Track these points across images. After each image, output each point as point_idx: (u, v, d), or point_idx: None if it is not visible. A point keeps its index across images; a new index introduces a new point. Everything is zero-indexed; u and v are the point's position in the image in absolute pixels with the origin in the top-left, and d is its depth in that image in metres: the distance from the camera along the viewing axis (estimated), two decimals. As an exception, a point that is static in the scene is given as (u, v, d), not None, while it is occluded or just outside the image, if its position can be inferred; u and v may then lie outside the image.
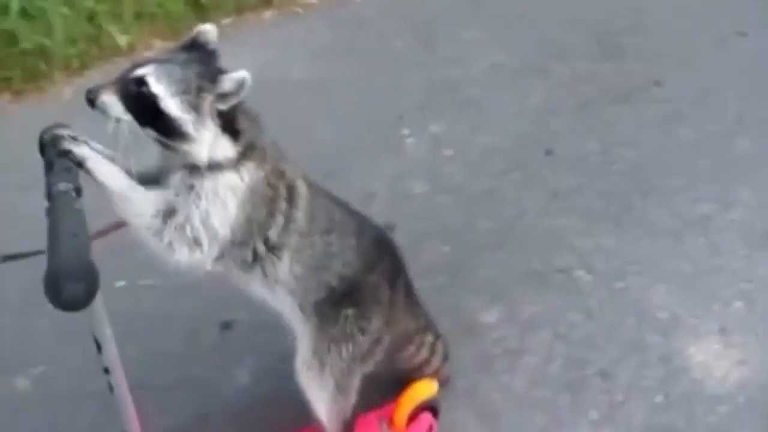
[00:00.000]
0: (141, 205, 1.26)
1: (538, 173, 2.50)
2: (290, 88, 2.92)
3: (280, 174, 1.37)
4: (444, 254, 2.19)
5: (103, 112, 1.21)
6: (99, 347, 1.20)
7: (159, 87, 1.20)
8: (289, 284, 1.39)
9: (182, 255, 1.28)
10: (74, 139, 1.21)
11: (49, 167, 1.18)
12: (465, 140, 2.65)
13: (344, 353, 1.47)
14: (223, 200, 1.26)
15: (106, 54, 3.14)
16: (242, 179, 1.28)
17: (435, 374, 1.71)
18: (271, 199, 1.33)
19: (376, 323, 1.49)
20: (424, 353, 1.67)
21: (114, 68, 3.21)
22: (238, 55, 3.11)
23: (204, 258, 1.29)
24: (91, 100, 1.21)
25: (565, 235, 2.24)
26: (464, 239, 2.25)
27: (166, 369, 1.84)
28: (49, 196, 1.09)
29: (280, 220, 1.35)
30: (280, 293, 1.41)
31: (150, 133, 1.22)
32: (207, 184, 1.25)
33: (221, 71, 1.23)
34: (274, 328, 1.53)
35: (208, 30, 1.27)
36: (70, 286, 0.97)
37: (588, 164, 2.53)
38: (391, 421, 1.69)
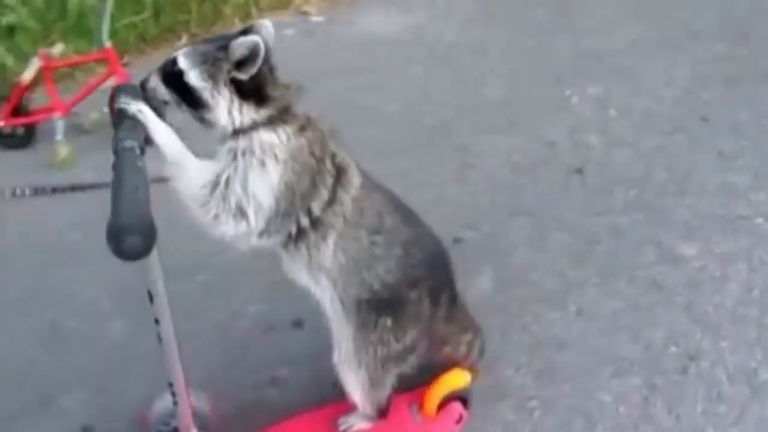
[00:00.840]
0: (191, 174, 1.30)
1: (698, 136, 2.71)
2: (450, 50, 3.17)
3: (329, 151, 1.37)
4: (633, 197, 2.39)
5: (152, 97, 1.30)
6: (151, 299, 1.25)
7: (185, 62, 1.28)
8: (332, 273, 1.40)
9: (228, 226, 1.30)
10: (149, 98, 1.29)
11: (119, 121, 1.25)
12: (625, 103, 2.87)
13: (380, 354, 1.50)
14: (261, 159, 1.28)
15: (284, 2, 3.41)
16: (279, 138, 1.29)
17: (468, 368, 1.73)
18: (316, 170, 1.34)
19: (411, 334, 1.51)
20: (461, 351, 1.69)
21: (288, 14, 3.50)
22: (390, 15, 3.35)
23: (249, 230, 1.31)
24: (143, 85, 1.30)
25: (738, 189, 2.44)
26: (647, 186, 2.45)
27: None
28: (115, 151, 1.14)
29: (324, 194, 1.36)
30: (323, 281, 1.42)
31: (185, 109, 1.30)
32: (242, 143, 1.28)
33: (233, 39, 1.28)
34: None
35: (265, 25, 1.31)
36: (130, 238, 1.03)
37: (744, 131, 2.73)
38: (421, 407, 1.71)
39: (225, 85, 1.27)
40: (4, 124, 2.50)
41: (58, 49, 2.55)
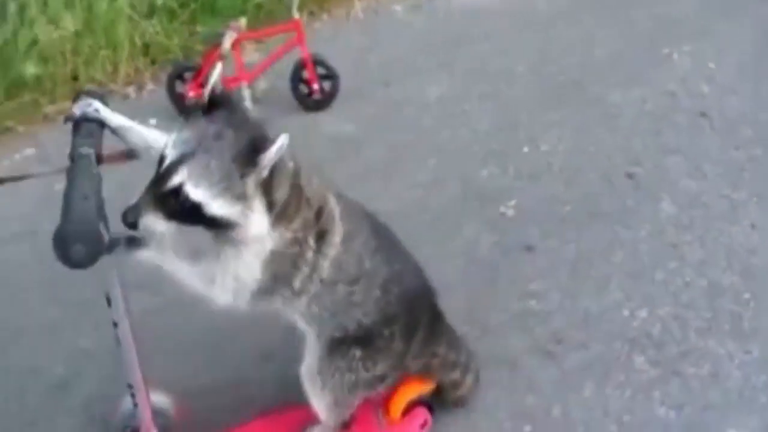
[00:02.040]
0: (185, 276, 1.27)
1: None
2: (548, 18, 3.44)
3: (312, 221, 1.33)
4: (757, 134, 2.76)
5: (149, 233, 1.19)
6: (109, 302, 1.27)
7: (199, 193, 1.13)
8: (305, 317, 1.40)
9: (217, 297, 1.29)
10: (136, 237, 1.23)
11: (76, 128, 1.23)
12: (717, 57, 3.23)
13: (347, 379, 1.48)
14: (247, 263, 1.25)
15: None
16: (265, 247, 1.25)
17: (462, 393, 1.75)
18: (298, 254, 1.30)
19: (381, 367, 1.50)
20: (453, 377, 1.70)
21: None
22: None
23: (237, 303, 1.30)
24: (132, 224, 1.15)
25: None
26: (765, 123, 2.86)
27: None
28: (71, 157, 1.13)
29: (305, 270, 1.33)
30: (297, 319, 1.42)
31: (198, 228, 1.19)
32: (230, 252, 1.23)
33: (259, 148, 1.14)
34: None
35: (217, 84, 1.24)
36: (76, 246, 1.04)
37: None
38: (386, 411, 1.71)
39: (258, 199, 1.17)
40: (194, 95, 2.68)
41: (242, 22, 2.67)
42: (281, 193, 1.21)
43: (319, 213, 1.33)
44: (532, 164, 2.58)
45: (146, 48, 3.02)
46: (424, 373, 1.64)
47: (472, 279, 2.14)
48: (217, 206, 1.14)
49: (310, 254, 1.31)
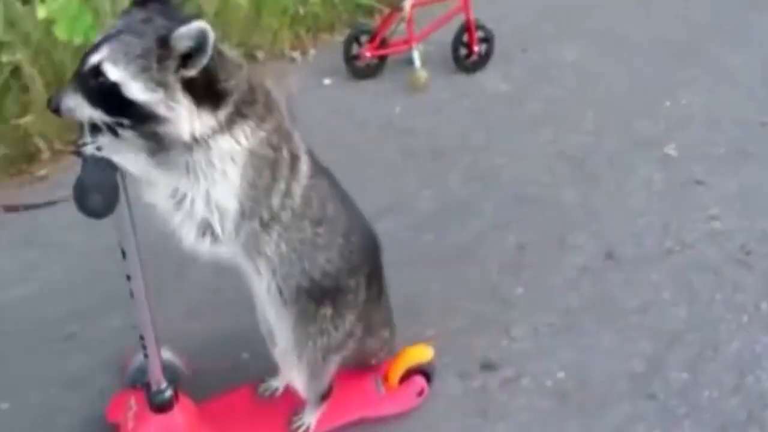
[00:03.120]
0: (156, 187, 1.21)
1: None
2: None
3: (286, 135, 1.28)
4: None
5: (72, 116, 1.12)
6: (124, 255, 1.30)
7: (117, 72, 1.07)
8: (272, 261, 1.34)
9: (196, 241, 1.24)
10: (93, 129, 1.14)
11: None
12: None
13: (320, 345, 1.50)
14: (222, 170, 1.18)
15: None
16: (239, 142, 1.18)
17: (375, 366, 1.76)
18: (274, 161, 1.24)
19: (350, 320, 1.52)
20: (377, 344, 1.71)
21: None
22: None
23: (218, 240, 1.24)
24: (56, 109, 1.11)
25: None
26: None
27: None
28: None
29: (282, 186, 1.27)
30: (262, 268, 1.36)
31: (125, 123, 1.12)
32: (199, 157, 1.16)
33: (177, 28, 1.07)
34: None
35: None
36: (94, 196, 1.09)
37: None
38: (385, 379, 1.76)
39: (180, 90, 1.09)
40: (371, 55, 2.93)
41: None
42: (233, 83, 1.15)
43: (289, 131, 1.29)
44: (677, 116, 2.89)
45: (306, 18, 3.24)
46: (368, 336, 1.63)
47: (655, 209, 2.41)
48: (135, 88, 1.07)
49: (285, 170, 1.26)
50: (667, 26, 3.51)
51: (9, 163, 2.51)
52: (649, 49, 3.33)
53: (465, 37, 3.01)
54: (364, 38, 2.95)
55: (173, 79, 1.08)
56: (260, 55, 3.10)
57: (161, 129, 1.12)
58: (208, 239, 1.24)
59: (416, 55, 2.94)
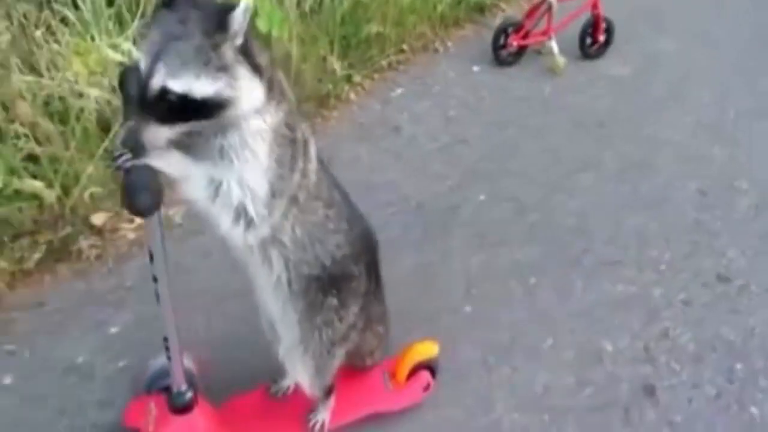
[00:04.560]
0: (192, 181, 1.23)
1: None
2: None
3: (298, 118, 1.31)
4: None
5: (156, 149, 1.15)
6: (151, 258, 1.32)
7: (181, 83, 1.09)
8: (287, 248, 1.34)
9: (232, 226, 1.26)
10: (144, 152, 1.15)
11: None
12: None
13: (325, 338, 1.51)
14: (253, 149, 1.20)
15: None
16: (265, 121, 1.21)
17: (370, 366, 1.78)
18: (292, 140, 1.27)
19: (353, 311, 1.53)
20: (374, 341, 1.73)
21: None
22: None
23: (254, 222, 1.25)
24: (136, 150, 1.15)
25: None
26: None
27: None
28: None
29: (300, 164, 1.30)
30: (274, 257, 1.35)
31: (196, 123, 1.14)
32: (233, 139, 1.18)
33: (225, 15, 1.10)
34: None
35: None
36: (141, 195, 1.13)
37: None
38: (393, 375, 1.81)
39: (238, 63, 1.13)
40: (517, 45, 3.31)
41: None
42: (263, 59, 1.19)
43: (299, 117, 1.32)
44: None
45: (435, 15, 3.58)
46: (367, 329, 1.65)
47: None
48: (200, 87, 1.10)
49: (301, 147, 1.29)
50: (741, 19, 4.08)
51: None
52: (738, 39, 3.83)
53: (591, 29, 3.47)
54: (510, 29, 3.34)
55: (231, 57, 1.12)
56: (406, 47, 3.46)
57: (228, 113, 1.15)
58: (242, 224, 1.25)
59: (553, 45, 3.36)
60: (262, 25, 2.73)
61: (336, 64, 3.10)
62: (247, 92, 1.15)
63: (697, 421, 1.86)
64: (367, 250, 1.52)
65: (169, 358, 1.48)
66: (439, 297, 2.15)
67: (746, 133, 3.08)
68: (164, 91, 1.09)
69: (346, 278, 1.46)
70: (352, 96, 3.04)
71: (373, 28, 3.30)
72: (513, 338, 2.04)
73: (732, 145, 3.01)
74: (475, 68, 3.39)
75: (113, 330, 1.98)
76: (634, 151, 2.91)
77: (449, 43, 3.58)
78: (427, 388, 1.82)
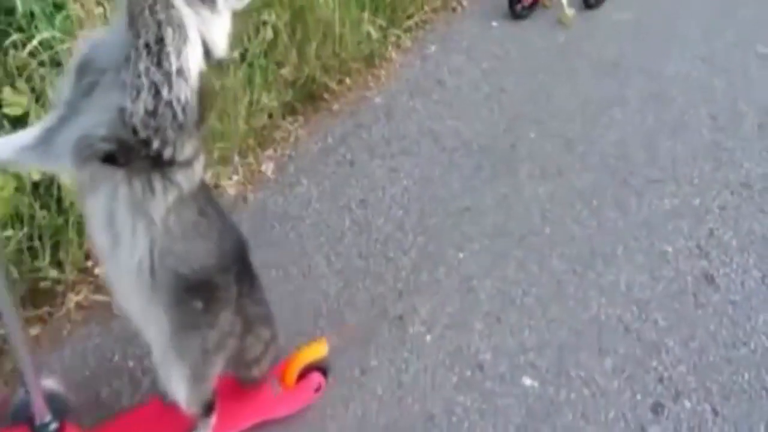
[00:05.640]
0: None
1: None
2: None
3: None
4: None
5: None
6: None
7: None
8: (156, 228, 1.27)
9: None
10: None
11: None
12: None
13: (196, 343, 1.46)
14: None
15: None
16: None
17: (259, 377, 1.72)
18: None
19: (224, 317, 1.49)
20: (259, 346, 1.65)
21: None
22: None
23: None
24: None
25: None
26: None
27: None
28: None
29: (195, 144, 1.25)
30: (140, 232, 1.26)
31: None
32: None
33: None
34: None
35: None
36: None
37: None
38: (281, 379, 1.74)
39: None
40: (528, 1, 3.57)
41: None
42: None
43: None
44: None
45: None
46: (247, 332, 1.58)
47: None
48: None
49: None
50: None
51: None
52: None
53: (592, -22, 3.82)
54: (523, -15, 3.66)
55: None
56: (427, 7, 3.67)
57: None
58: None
59: (564, -4, 3.71)
60: None
61: (371, 26, 3.33)
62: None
63: (752, 298, 2.27)
64: (237, 261, 1.50)
65: (26, 392, 1.42)
66: (521, 222, 2.47)
67: (736, 62, 3.48)
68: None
69: (213, 287, 1.43)
70: (394, 55, 3.30)
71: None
72: (591, 250, 2.40)
73: (727, 73, 3.40)
74: (494, 23, 3.68)
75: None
76: (649, 86, 3.27)
77: (464, 2, 3.84)
78: (318, 389, 1.81)
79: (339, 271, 2.23)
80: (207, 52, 1.20)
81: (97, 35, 1.25)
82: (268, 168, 2.57)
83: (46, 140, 1.23)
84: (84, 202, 1.29)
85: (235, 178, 2.47)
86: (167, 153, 1.18)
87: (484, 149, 2.81)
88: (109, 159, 1.17)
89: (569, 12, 3.69)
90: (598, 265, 2.33)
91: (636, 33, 3.72)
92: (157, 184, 1.22)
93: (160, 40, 1.11)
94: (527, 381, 1.97)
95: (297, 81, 2.95)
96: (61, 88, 1.24)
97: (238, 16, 2.78)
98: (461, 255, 2.33)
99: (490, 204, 2.54)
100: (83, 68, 1.21)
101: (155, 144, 1.16)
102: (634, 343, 2.09)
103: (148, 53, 1.11)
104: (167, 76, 1.12)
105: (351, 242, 2.34)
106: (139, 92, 1.12)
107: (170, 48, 1.12)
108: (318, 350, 1.78)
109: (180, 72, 1.14)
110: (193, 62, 1.17)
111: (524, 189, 2.63)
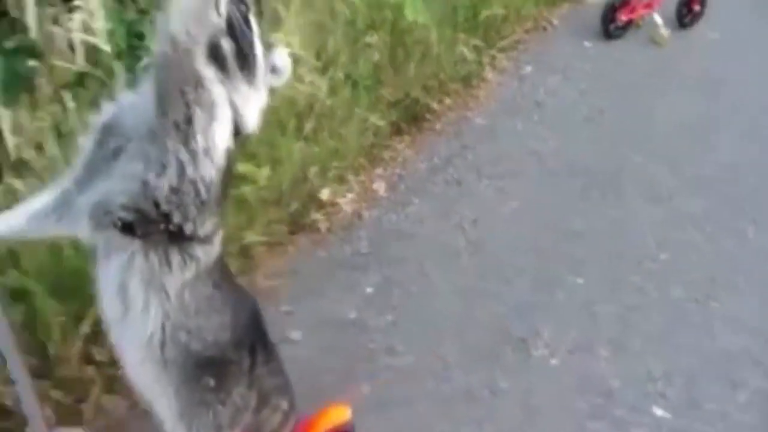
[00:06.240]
0: None
1: None
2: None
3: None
4: None
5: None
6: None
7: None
8: (169, 302, 1.24)
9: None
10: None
11: None
12: None
13: (208, 421, 1.39)
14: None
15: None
16: None
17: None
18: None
19: (238, 392, 1.42)
20: (276, 419, 1.56)
21: None
22: None
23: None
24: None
25: None
26: None
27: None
28: None
29: (215, 220, 1.25)
30: (153, 306, 1.23)
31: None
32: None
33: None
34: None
35: None
36: None
37: None
38: None
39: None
40: (625, 19, 3.57)
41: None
42: None
43: None
44: None
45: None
46: (263, 404, 1.50)
47: None
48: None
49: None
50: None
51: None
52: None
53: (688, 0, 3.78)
54: (617, 5, 3.60)
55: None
56: (518, 27, 3.69)
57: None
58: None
59: (657, 18, 3.64)
60: (409, 13, 2.99)
61: (465, 47, 3.36)
62: None
63: None
64: (251, 333, 1.44)
65: None
66: (636, 248, 2.43)
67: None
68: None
69: (226, 362, 1.38)
70: (490, 75, 3.32)
71: (492, 10, 3.56)
72: (711, 278, 2.34)
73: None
74: (587, 43, 3.67)
75: (369, 290, 2.24)
76: (756, 105, 3.21)
77: (554, 21, 3.86)
78: None
79: (458, 290, 2.25)
80: (237, 128, 1.19)
81: (124, 97, 1.25)
82: (380, 186, 2.61)
83: (62, 204, 1.23)
84: (96, 268, 1.25)
85: (349, 195, 2.52)
86: (188, 228, 1.17)
87: (589, 171, 2.79)
88: (127, 228, 1.16)
89: (664, 32, 3.66)
90: (720, 295, 2.29)
91: (732, 51, 3.66)
92: (175, 259, 1.20)
93: (189, 121, 1.11)
94: (658, 411, 1.94)
95: (399, 101, 3.00)
96: (82, 147, 1.23)
97: (343, 38, 2.95)
98: (579, 280, 2.31)
99: (602, 228, 2.52)
100: (108, 130, 1.20)
101: (176, 219, 1.15)
102: (766, 377, 2.04)
103: (176, 131, 1.11)
104: (194, 155, 1.12)
105: (467, 262, 2.35)
106: (164, 168, 1.11)
107: (198, 128, 1.12)
108: (341, 414, 1.67)
109: (207, 152, 1.13)
110: (221, 141, 1.16)
111: (635, 213, 2.61)
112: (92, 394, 1.79)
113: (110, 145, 1.19)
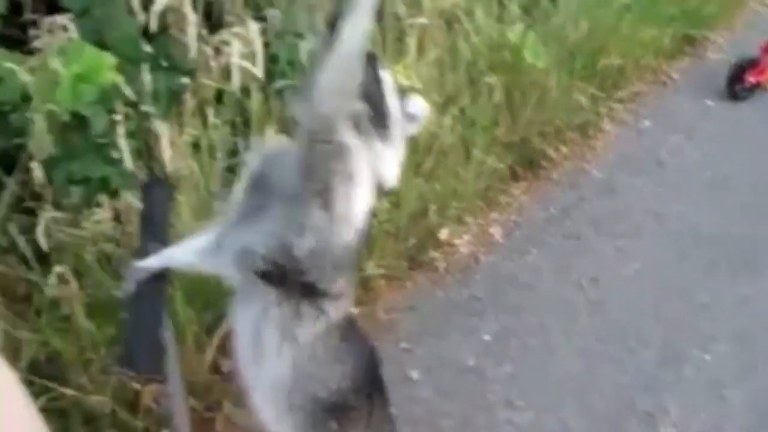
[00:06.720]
0: None
1: None
2: None
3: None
4: None
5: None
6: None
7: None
8: (301, 353, 1.28)
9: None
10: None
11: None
12: None
13: None
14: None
15: None
16: None
17: None
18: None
19: None
20: None
21: None
22: None
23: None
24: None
25: None
26: None
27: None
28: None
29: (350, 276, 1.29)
30: (285, 356, 1.27)
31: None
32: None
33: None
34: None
35: None
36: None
37: None
38: None
39: None
40: (755, 80, 3.42)
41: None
42: None
43: None
44: None
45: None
46: None
47: None
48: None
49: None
50: None
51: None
52: None
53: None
54: (746, 65, 3.46)
55: None
56: (635, 79, 3.60)
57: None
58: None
59: (779, 83, 3.51)
60: (528, 56, 2.95)
61: (582, 95, 3.28)
62: None
63: None
64: (369, 380, 1.46)
65: None
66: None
67: None
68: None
69: (347, 408, 1.41)
70: (608, 126, 3.23)
71: (610, 59, 3.49)
72: None
73: None
74: (709, 102, 3.52)
75: (486, 337, 2.18)
76: None
77: (674, 75, 3.73)
78: None
79: (579, 351, 2.15)
80: (379, 185, 1.22)
81: (272, 148, 1.31)
82: (496, 231, 2.55)
83: (216, 245, 1.30)
84: (234, 311, 1.30)
85: (466, 237, 2.47)
86: (321, 285, 1.21)
87: (716, 241, 2.64)
88: (265, 276, 1.22)
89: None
90: None
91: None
92: (306, 311, 1.24)
93: (331, 188, 1.14)
94: None
95: (514, 144, 2.95)
96: (236, 194, 1.28)
97: (464, 76, 2.92)
98: (707, 357, 2.18)
99: (731, 304, 2.38)
100: (256, 183, 1.26)
101: (312, 277, 1.20)
102: None
103: (317, 197, 1.14)
104: (334, 220, 1.15)
105: (587, 322, 2.26)
106: (304, 231, 1.15)
107: (340, 195, 1.14)
108: None
109: (347, 217, 1.17)
110: (362, 205, 1.18)
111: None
112: (224, 405, 1.81)
113: (255, 199, 1.25)
